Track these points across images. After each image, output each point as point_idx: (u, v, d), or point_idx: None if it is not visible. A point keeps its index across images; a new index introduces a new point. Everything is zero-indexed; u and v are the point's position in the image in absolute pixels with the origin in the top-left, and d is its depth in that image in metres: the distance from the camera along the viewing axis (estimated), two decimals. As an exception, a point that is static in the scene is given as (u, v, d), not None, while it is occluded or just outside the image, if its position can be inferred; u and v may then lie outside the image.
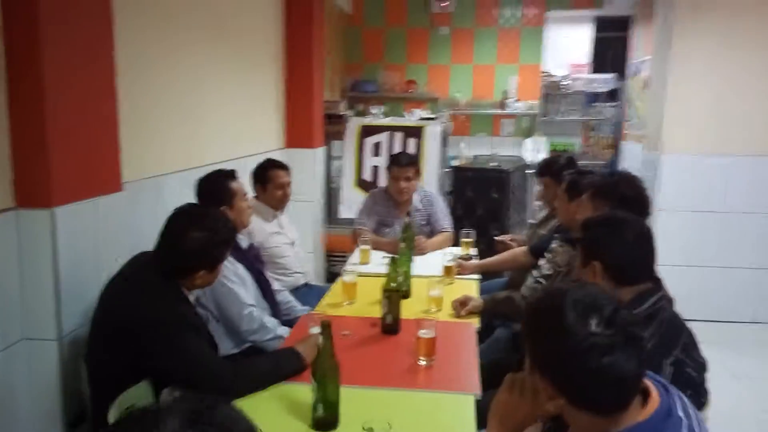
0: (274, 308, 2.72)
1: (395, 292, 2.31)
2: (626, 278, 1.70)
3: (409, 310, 2.62)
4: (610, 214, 1.84)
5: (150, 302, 1.76)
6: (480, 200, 5.19)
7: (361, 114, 6.52)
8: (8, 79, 1.87)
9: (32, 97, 1.87)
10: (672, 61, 4.47)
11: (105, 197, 2.19)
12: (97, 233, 2.16)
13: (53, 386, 2.01)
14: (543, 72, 7.43)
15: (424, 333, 2.05)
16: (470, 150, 7.16)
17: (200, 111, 3.32)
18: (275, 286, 2.93)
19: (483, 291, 3.41)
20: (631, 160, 6.13)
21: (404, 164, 3.61)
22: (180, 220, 1.86)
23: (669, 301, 1.72)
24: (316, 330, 2.10)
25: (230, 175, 2.62)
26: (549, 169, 3.34)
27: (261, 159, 4.20)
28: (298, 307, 2.91)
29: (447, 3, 7.15)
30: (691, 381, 1.59)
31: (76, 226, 2.04)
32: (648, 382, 1.13)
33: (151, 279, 1.82)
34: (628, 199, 2.20)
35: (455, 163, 6.88)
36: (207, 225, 1.85)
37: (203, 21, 3.32)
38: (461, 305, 2.58)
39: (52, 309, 1.97)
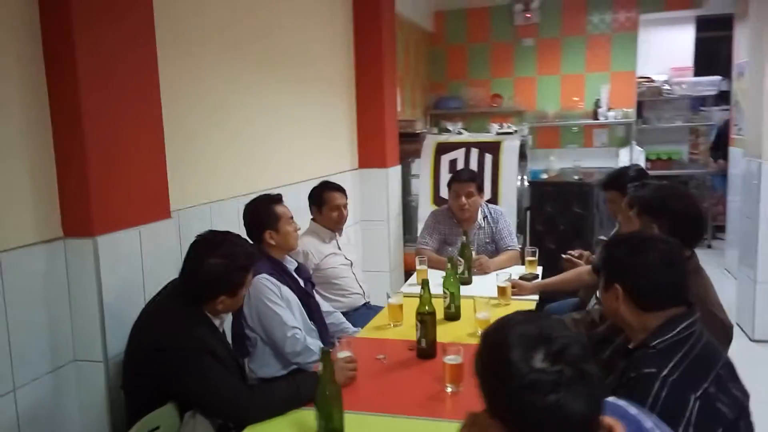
0: (323, 330, 2.73)
1: (429, 315, 2.25)
2: (650, 304, 1.54)
3: (456, 332, 2.55)
4: (634, 233, 1.69)
5: (169, 328, 1.83)
6: (561, 216, 4.97)
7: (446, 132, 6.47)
8: (52, 114, 2.03)
9: (73, 129, 2.02)
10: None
11: (150, 225, 2.31)
12: (143, 260, 2.28)
13: (101, 406, 2.13)
14: (640, 78, 7.04)
15: (450, 359, 1.97)
16: (560, 163, 6.91)
17: (262, 135, 3.43)
18: (326, 307, 2.95)
19: (552, 312, 3.26)
20: (738, 167, 5.63)
21: (465, 179, 3.54)
22: (198, 247, 1.93)
23: (701, 329, 1.54)
24: (343, 354, 2.09)
25: (275, 199, 2.68)
26: (615, 182, 3.12)
27: (333, 180, 4.33)
28: (351, 329, 2.91)
29: (531, 14, 6.98)
30: (722, 418, 1.41)
31: (119, 253, 2.16)
32: (611, 422, 1.01)
33: (173, 305, 1.90)
34: (677, 216, 2.01)
35: (543, 176, 6.67)
36: (224, 251, 1.90)
37: (266, 46, 3.47)
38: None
39: (98, 332, 2.10)
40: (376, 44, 4.77)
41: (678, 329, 1.49)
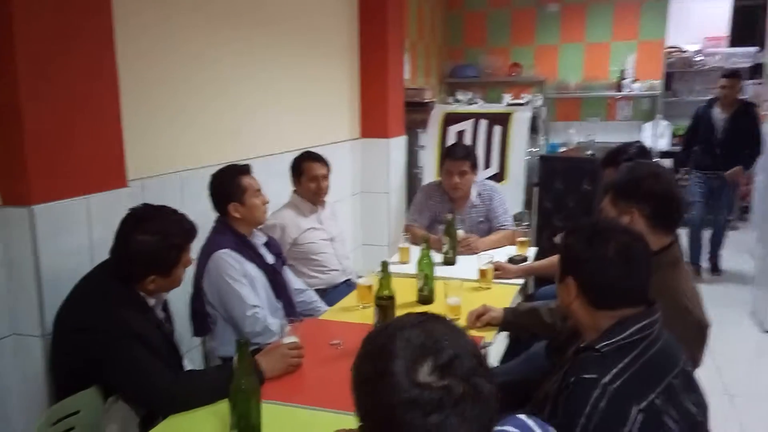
0: (289, 309, 2.61)
1: (388, 299, 2.10)
2: (602, 301, 1.37)
3: (426, 317, 2.40)
4: (593, 223, 1.50)
5: (91, 308, 1.72)
6: (571, 193, 4.72)
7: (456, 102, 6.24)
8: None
9: (7, 89, 1.89)
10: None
11: (102, 194, 2.19)
12: (91, 231, 2.17)
13: (39, 382, 2.04)
14: (670, 48, 6.64)
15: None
16: (580, 136, 6.62)
17: (250, 100, 3.31)
18: (298, 284, 2.82)
19: (539, 297, 3.08)
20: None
21: (459, 157, 3.33)
22: (128, 222, 1.80)
23: (659, 332, 1.36)
24: (289, 339, 1.96)
25: (242, 170, 2.54)
26: (613, 160, 2.88)
27: (330, 150, 4.19)
28: (323, 308, 2.78)
29: (556, -22, 6.62)
30: (669, 435, 1.24)
31: (61, 223, 2.05)
32: None
33: (100, 283, 1.79)
34: (656, 197, 1.80)
35: (562, 150, 6.40)
36: (156, 228, 1.77)
37: (257, 4, 3.31)
38: (477, 317, 2.29)
39: (36, 305, 2.00)
40: (381, 8, 4.54)
41: (629, 331, 1.32)
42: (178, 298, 2.56)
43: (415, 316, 0.91)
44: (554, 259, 2.89)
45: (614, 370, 1.26)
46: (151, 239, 1.76)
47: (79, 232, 2.12)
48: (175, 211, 1.86)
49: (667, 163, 6.71)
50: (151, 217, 1.79)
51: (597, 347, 1.32)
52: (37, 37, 1.92)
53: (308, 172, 3.08)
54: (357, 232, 4.79)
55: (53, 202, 2.01)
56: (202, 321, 2.50)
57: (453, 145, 3.69)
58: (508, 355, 2.92)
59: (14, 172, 1.95)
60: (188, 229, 1.86)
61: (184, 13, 2.78)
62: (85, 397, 1.71)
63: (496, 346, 3.23)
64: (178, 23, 2.74)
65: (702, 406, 1.33)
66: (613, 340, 1.31)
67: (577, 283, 1.41)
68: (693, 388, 1.34)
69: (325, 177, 3.12)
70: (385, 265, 2.13)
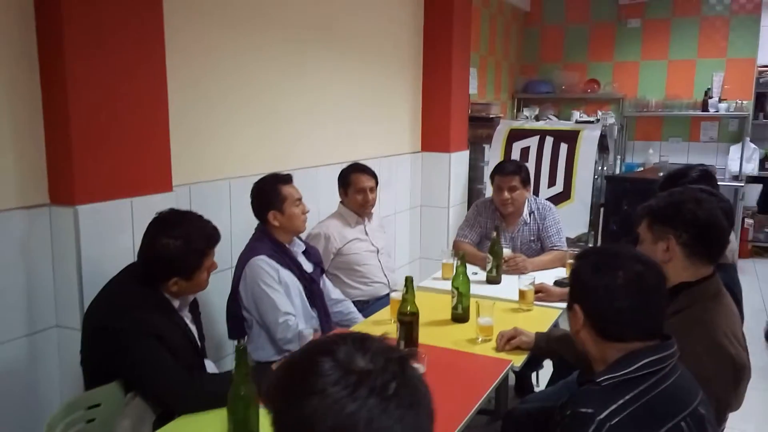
0: (324, 318, 2.62)
1: (411, 315, 2.06)
2: (609, 332, 1.28)
3: (456, 336, 2.35)
4: (605, 248, 1.41)
5: (114, 307, 1.79)
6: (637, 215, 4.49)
7: (536, 118, 6.09)
8: (41, 78, 2.04)
9: (59, 93, 2.01)
10: None
11: (145, 197, 2.29)
12: (134, 232, 2.26)
13: (78, 374, 2.14)
14: (761, 66, 6.22)
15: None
16: (659, 156, 6.32)
17: (306, 111, 3.36)
18: (336, 295, 2.83)
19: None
20: None
21: (508, 172, 3.25)
22: (153, 226, 1.86)
23: (672, 368, 1.25)
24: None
25: (283, 179, 2.58)
26: (673, 183, 2.70)
27: (390, 162, 4.20)
28: (359, 319, 2.77)
29: (638, -8, 6.36)
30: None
31: (104, 224, 2.15)
32: None
33: (125, 284, 1.85)
34: (696, 223, 1.67)
35: (639, 170, 6.14)
36: (179, 232, 1.81)
37: (318, 17, 3.40)
38: (507, 340, 2.21)
39: (77, 301, 2.11)
40: (447, 23, 4.52)
41: (635, 366, 1.22)
42: (220, 302, 2.64)
43: (347, 335, 0.87)
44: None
45: (613, 406, 1.18)
46: (174, 243, 1.81)
47: (122, 234, 2.22)
48: (200, 217, 1.91)
49: (756, 189, 6.29)
50: (175, 222, 1.85)
51: (598, 380, 1.23)
52: (86, 41, 2.02)
53: (356, 184, 3.09)
54: (414, 245, 4.76)
55: (97, 203, 2.12)
56: (237, 324, 2.55)
57: (503, 161, 3.61)
58: (553, 380, 2.80)
59: (61, 173, 2.07)
60: (211, 235, 1.90)
61: (239, 23, 2.86)
62: (107, 390, 1.77)
63: (545, 369, 3.14)
64: (228, 30, 2.81)
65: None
66: (617, 374, 1.23)
67: (583, 312, 1.33)
68: (702, 429, 1.22)
69: (373, 189, 3.12)
70: (409, 280, 2.09)
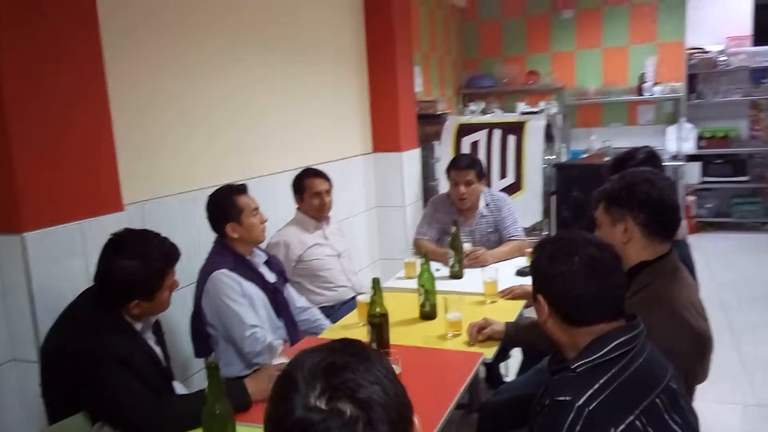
0: (291, 327, 2.59)
1: (380, 317, 2.05)
2: (575, 317, 1.30)
3: (425, 333, 2.36)
4: (559, 236, 1.44)
5: (74, 334, 1.72)
6: (589, 200, 4.59)
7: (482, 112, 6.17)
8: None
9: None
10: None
11: (96, 219, 2.21)
12: (87, 257, 2.18)
13: (39, 406, 2.03)
14: (691, 49, 6.48)
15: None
16: (601, 142, 6.50)
17: (256, 118, 3.32)
18: (301, 303, 2.80)
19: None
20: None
21: (463, 167, 3.29)
22: (108, 248, 1.80)
23: (642, 346, 1.28)
24: (278, 361, 1.93)
25: (238, 189, 2.53)
26: (621, 166, 2.78)
27: (342, 165, 4.18)
28: (327, 325, 2.75)
29: (570, -17, 6.53)
30: (652, 457, 1.16)
31: (55, 250, 2.06)
32: None
33: (83, 309, 1.78)
34: (651, 203, 1.73)
35: (583, 156, 6.30)
36: (136, 252, 1.76)
37: (260, 22, 3.35)
38: (478, 330, 2.23)
39: (32, 332, 2.02)
40: (387, 22, 4.53)
41: (607, 349, 1.25)
42: (182, 319, 2.57)
43: (328, 342, 0.88)
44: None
45: (589, 392, 1.19)
46: (132, 264, 1.75)
47: (74, 258, 2.13)
48: (157, 235, 1.86)
49: (695, 167, 6.54)
50: (131, 242, 1.79)
51: (572, 367, 1.26)
52: (21, 61, 1.94)
53: (310, 189, 3.07)
54: (373, 247, 4.76)
55: (45, 229, 2.03)
56: (203, 342, 2.49)
57: (458, 155, 3.65)
58: (523, 369, 2.84)
59: (4, 200, 1.97)
60: (170, 253, 1.85)
61: (180, 31, 2.78)
62: (73, 422, 1.70)
63: (513, 359, 3.19)
64: (173, 41, 2.74)
65: (690, 426, 1.25)
66: (590, 359, 1.25)
67: (547, 302, 1.35)
68: (680, 407, 1.26)
69: (328, 192, 3.10)
70: (376, 282, 2.09)
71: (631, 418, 1.17)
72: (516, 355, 3.11)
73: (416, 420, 0.83)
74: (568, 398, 1.19)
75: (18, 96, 1.93)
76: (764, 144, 6.64)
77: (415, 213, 4.91)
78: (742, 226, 6.65)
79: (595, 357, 1.24)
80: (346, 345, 0.86)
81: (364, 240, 4.61)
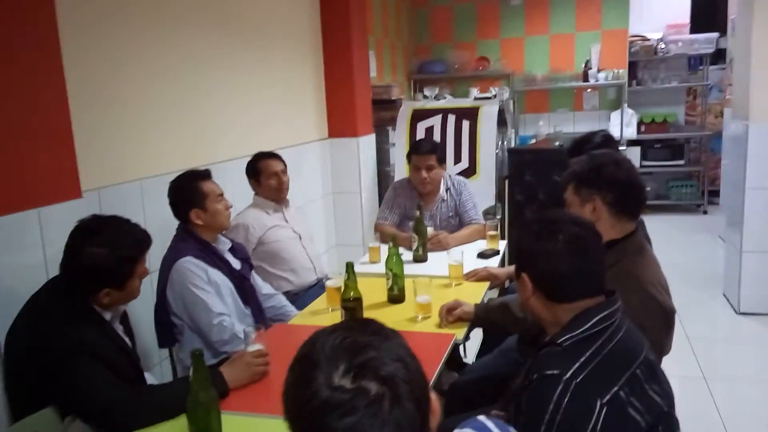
0: (258, 315, 2.56)
1: (354, 301, 2.06)
2: (558, 295, 1.34)
3: (396, 317, 2.37)
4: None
5: (41, 326, 1.65)
6: (541, 184, 4.72)
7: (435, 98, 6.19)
8: None
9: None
10: (757, 13, 3.76)
11: (53, 206, 2.12)
12: (44, 246, 2.09)
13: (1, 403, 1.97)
14: (633, 36, 6.70)
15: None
16: (550, 128, 6.66)
17: (211, 104, 3.25)
18: (267, 289, 2.77)
19: (513, 291, 3.06)
20: (729, 129, 5.34)
21: (425, 152, 3.31)
22: (76, 235, 1.73)
23: (620, 321, 1.34)
24: (254, 347, 1.90)
25: (202, 175, 2.47)
26: (579, 149, 2.86)
27: (299, 151, 4.14)
28: (293, 312, 2.73)
29: (518, -30, 6.63)
30: (635, 427, 1.21)
31: (11, 238, 1.97)
32: None
33: (49, 300, 1.72)
34: (618, 183, 1.79)
35: (533, 142, 6.43)
36: (105, 239, 1.70)
37: (216, 6, 3.26)
38: (448, 311, 2.27)
39: (-13, 325, 1.93)
40: (343, 5, 4.50)
41: (589, 323, 1.29)
42: (145, 309, 2.50)
43: (341, 323, 0.89)
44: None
45: (576, 365, 1.24)
46: (102, 252, 1.69)
47: (31, 247, 2.05)
48: (127, 221, 1.80)
49: (636, 151, 6.78)
50: (100, 229, 1.72)
51: (558, 342, 1.30)
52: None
53: (266, 170, 3.03)
54: (330, 233, 4.75)
55: (1, 217, 1.94)
56: (167, 332, 2.43)
57: (419, 140, 3.68)
58: (483, 350, 2.90)
59: (-42, 187, 1.87)
60: (141, 240, 1.80)
61: (137, 14, 2.70)
62: (43, 417, 1.64)
63: (472, 343, 3.24)
64: (130, 25, 2.66)
65: (667, 396, 1.31)
66: (574, 334, 1.29)
67: (531, 279, 1.38)
68: (657, 378, 1.32)
69: (284, 172, 3.08)
70: (350, 266, 2.09)
71: (616, 389, 1.22)
72: (474, 338, 3.17)
73: (433, 396, 0.85)
74: (556, 372, 1.23)
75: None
76: (699, 129, 6.95)
77: (371, 198, 4.92)
78: (678, 208, 6.96)
79: (579, 331, 1.28)
80: (363, 324, 0.86)
81: (321, 226, 4.59)
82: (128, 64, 2.66)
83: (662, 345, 1.69)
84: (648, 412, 1.24)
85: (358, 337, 0.82)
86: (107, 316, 1.80)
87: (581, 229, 1.37)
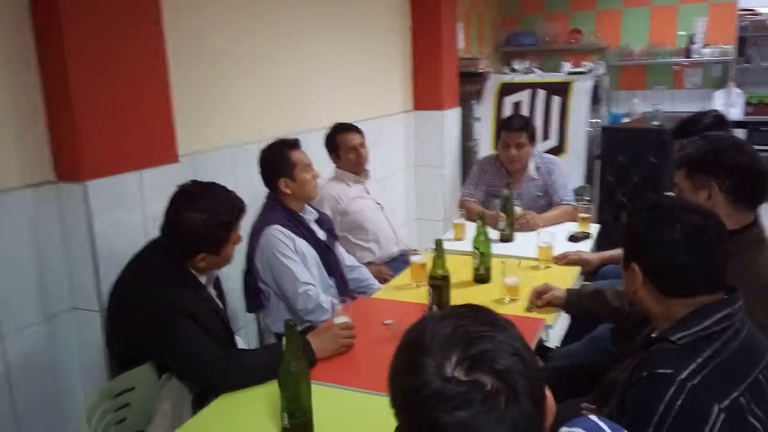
0: (342, 286, 2.57)
1: (442, 279, 2.02)
2: (674, 289, 1.24)
3: (482, 298, 2.32)
4: (656, 201, 1.36)
5: (144, 287, 1.71)
6: (635, 166, 4.49)
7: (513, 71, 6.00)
8: (38, 52, 1.91)
9: (58, 67, 1.88)
10: None
11: (154, 169, 2.19)
12: (144, 206, 2.16)
13: (99, 356, 2.07)
14: (743, 10, 6.20)
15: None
16: (645, 106, 6.29)
17: (298, 74, 3.26)
18: (350, 261, 2.77)
19: (603, 276, 2.93)
20: None
21: (516, 128, 3.19)
22: (176, 200, 1.77)
23: (743, 321, 1.22)
24: (341, 319, 1.90)
25: (291, 144, 2.48)
26: (687, 130, 2.68)
27: (383, 122, 4.10)
28: (376, 286, 2.72)
29: (620, -63, 6.24)
30: (755, 434, 1.12)
31: (115, 199, 2.05)
32: None
33: (151, 262, 1.77)
34: (738, 169, 1.65)
35: (626, 121, 6.12)
36: (204, 205, 1.73)
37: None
38: (538, 295, 2.19)
39: (92, 280, 2.02)
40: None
41: (709, 322, 1.19)
42: (233, 275, 2.56)
43: (453, 307, 0.84)
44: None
45: (692, 366, 1.14)
46: (201, 217, 1.72)
47: (132, 208, 2.13)
48: (224, 188, 1.82)
49: (741, 133, 6.33)
50: (200, 195, 1.76)
51: (673, 339, 1.20)
52: (83, 15, 1.90)
53: (344, 144, 3.01)
54: (410, 207, 4.71)
55: (106, 178, 2.02)
56: (255, 297, 2.48)
57: (510, 116, 3.56)
58: (569, 337, 2.80)
59: (67, 149, 1.96)
60: (237, 207, 1.82)
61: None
62: (140, 373, 1.71)
63: (556, 328, 3.14)
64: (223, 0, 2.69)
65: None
66: (691, 331, 1.19)
67: (642, 270, 1.28)
68: (780, 383, 1.21)
69: (362, 145, 3.04)
70: (439, 243, 2.04)
71: (736, 394, 1.12)
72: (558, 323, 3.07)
73: (548, 393, 0.79)
74: (669, 371, 1.14)
75: (79, 52, 1.90)
76: (814, 113, 6.40)
77: (453, 174, 4.84)
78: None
79: (697, 329, 1.19)
80: (476, 312, 0.81)
81: (401, 200, 4.56)
82: (223, 35, 2.70)
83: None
84: (769, 420, 1.14)
85: (472, 326, 0.77)
86: (202, 279, 1.85)
87: (701, 218, 1.26)
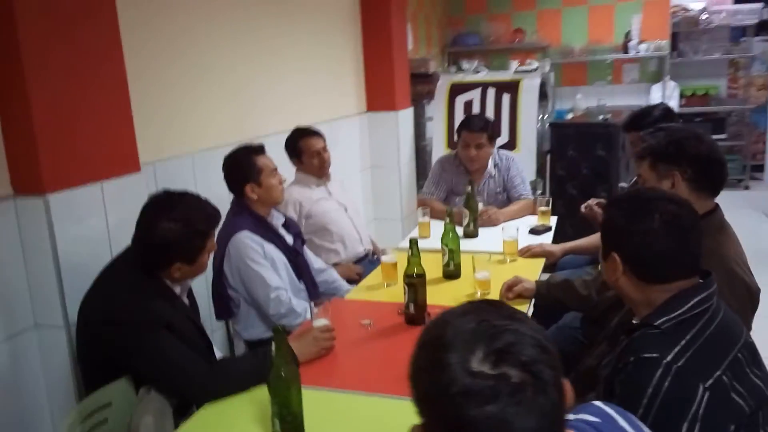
0: (312, 289, 2.55)
1: (418, 278, 2.03)
2: (653, 275, 1.30)
3: (454, 293, 2.35)
4: (635, 192, 1.42)
5: (119, 300, 1.66)
6: (584, 159, 4.64)
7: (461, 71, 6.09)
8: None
9: (14, 77, 1.81)
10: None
11: (115, 180, 2.12)
12: (107, 217, 2.09)
13: (65, 373, 2.00)
14: (675, 7, 6.49)
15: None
16: (587, 101, 6.50)
17: (253, 78, 3.22)
18: (318, 264, 2.76)
19: (561, 266, 3.02)
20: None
21: (476, 129, 3.24)
22: (149, 210, 1.72)
23: (718, 303, 1.29)
24: (321, 322, 1.90)
25: (257, 150, 2.45)
26: (638, 122, 2.80)
27: (337, 125, 4.09)
28: (345, 287, 2.72)
29: (557, -62, 6.43)
30: (737, 411, 1.17)
31: (77, 211, 1.98)
32: None
33: (124, 274, 1.72)
34: (699, 159, 1.73)
35: (569, 116, 6.30)
36: (178, 215, 1.69)
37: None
38: (508, 288, 2.24)
39: (57, 296, 1.94)
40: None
41: (688, 305, 1.25)
42: (199, 281, 2.50)
43: (471, 303, 0.85)
44: (596, 237, 2.84)
45: (676, 349, 1.19)
46: (176, 227, 1.68)
47: (95, 219, 2.06)
48: (197, 197, 1.79)
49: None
50: (174, 204, 1.72)
51: (656, 324, 1.25)
52: (39, 25, 1.84)
53: (308, 149, 2.99)
54: (368, 207, 4.72)
55: (67, 190, 1.94)
56: (224, 304, 2.44)
57: (471, 116, 3.61)
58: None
59: (26, 162, 1.88)
60: (212, 215, 1.79)
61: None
62: (117, 388, 1.65)
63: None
64: (182, 5, 2.64)
65: (766, 380, 1.27)
66: (672, 316, 1.24)
67: (622, 259, 1.33)
68: (758, 361, 1.27)
69: (324, 149, 3.03)
70: (413, 242, 2.06)
71: (718, 373, 1.18)
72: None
73: (565, 380, 0.81)
74: (655, 355, 1.19)
75: (35, 60, 1.83)
76: (742, 102, 6.76)
77: (409, 173, 4.87)
78: (719, 184, 6.79)
79: (678, 313, 1.24)
80: (495, 306, 0.83)
81: (359, 200, 4.56)
82: (179, 43, 2.66)
83: (749, 327, 1.64)
84: (750, 396, 1.20)
85: (494, 320, 0.78)
86: (177, 290, 1.81)
87: (678, 207, 1.31)
